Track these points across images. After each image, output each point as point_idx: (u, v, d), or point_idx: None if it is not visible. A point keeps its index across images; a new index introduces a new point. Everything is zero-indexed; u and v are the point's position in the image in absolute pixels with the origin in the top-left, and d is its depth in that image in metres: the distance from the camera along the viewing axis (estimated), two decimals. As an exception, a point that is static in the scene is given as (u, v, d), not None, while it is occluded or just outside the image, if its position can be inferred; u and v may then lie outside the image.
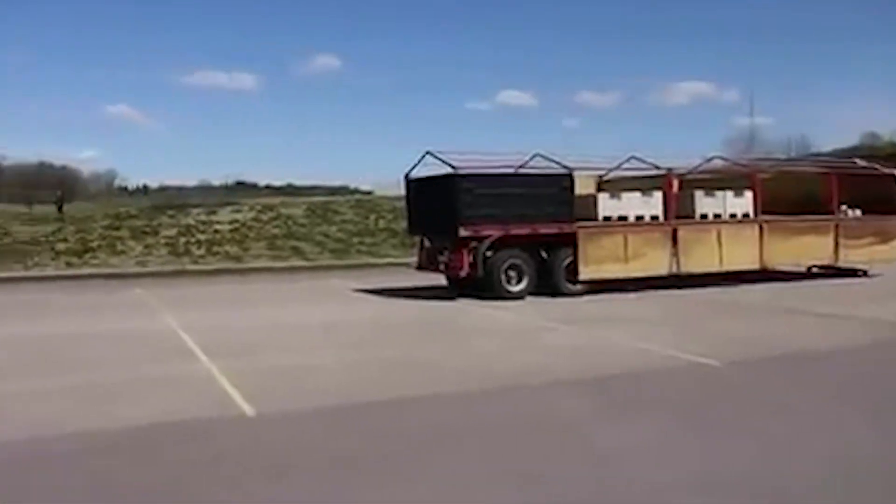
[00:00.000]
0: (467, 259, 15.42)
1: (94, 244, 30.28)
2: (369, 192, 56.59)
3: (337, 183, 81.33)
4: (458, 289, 16.33)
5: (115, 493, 4.96)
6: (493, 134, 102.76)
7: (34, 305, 16.66)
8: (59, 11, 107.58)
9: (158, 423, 6.52)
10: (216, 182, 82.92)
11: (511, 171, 16.86)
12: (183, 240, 31.16)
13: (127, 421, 6.60)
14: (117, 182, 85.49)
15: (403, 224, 21.56)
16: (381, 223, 35.41)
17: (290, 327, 12.48)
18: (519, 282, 15.75)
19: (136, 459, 5.64)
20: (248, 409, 6.94)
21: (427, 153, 16.47)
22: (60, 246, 29.90)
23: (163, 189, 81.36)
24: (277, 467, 5.40)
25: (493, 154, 16.61)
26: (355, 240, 32.61)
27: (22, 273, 25.48)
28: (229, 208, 38.27)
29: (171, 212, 37.35)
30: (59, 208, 40.14)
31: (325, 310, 14.82)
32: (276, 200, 45.77)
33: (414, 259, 18.44)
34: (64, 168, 73.95)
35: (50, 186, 53.71)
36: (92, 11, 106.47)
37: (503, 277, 15.60)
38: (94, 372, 8.83)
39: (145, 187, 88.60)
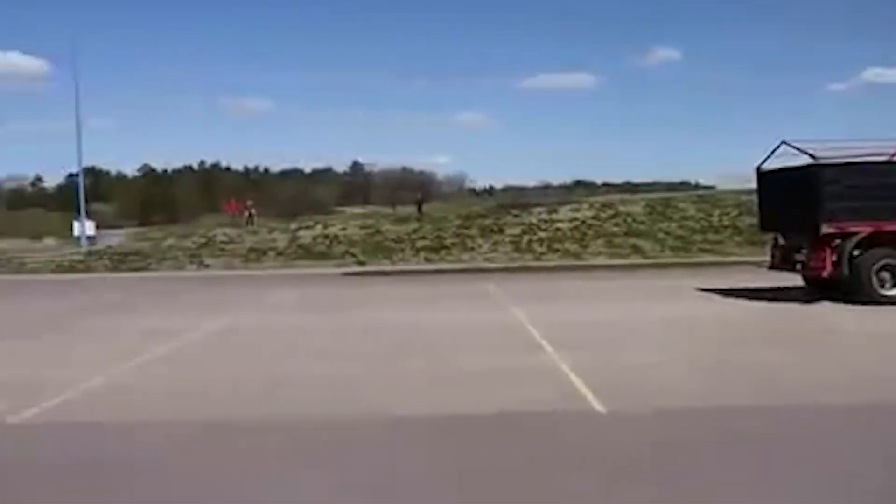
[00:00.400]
0: (830, 258, 13.91)
1: (448, 242, 32.87)
2: (711, 187, 54.07)
3: (677, 178, 79.11)
4: (819, 291, 14.81)
5: (456, 471, 5.23)
6: (854, 117, 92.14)
7: (400, 296, 18.51)
8: (416, 30, 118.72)
9: (508, 412, 6.79)
10: (556, 181, 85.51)
11: (885, 158, 14.85)
12: (526, 238, 32.47)
13: (478, 407, 6.98)
14: (467, 184, 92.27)
15: (751, 220, 20.17)
16: (725, 219, 33.53)
17: (632, 324, 12.31)
18: (895, 285, 13.84)
19: (484, 444, 5.92)
20: (597, 405, 6.95)
21: (782, 143, 15.18)
22: (420, 243, 32.95)
23: (506, 189, 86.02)
24: (618, 465, 5.31)
25: (859, 140, 14.78)
26: (697, 237, 31.31)
27: (389, 267, 28.56)
28: (569, 206, 39.09)
29: (515, 211, 39.21)
30: (419, 209, 44.30)
31: (666, 308, 14.38)
32: (614, 198, 45.78)
33: (765, 258, 17.13)
34: (422, 173, 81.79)
35: (411, 189, 59.61)
36: (443, 26, 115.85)
37: (874, 280, 13.81)
38: (450, 359, 9.53)
39: (491, 188, 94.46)
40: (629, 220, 34.61)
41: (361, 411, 6.92)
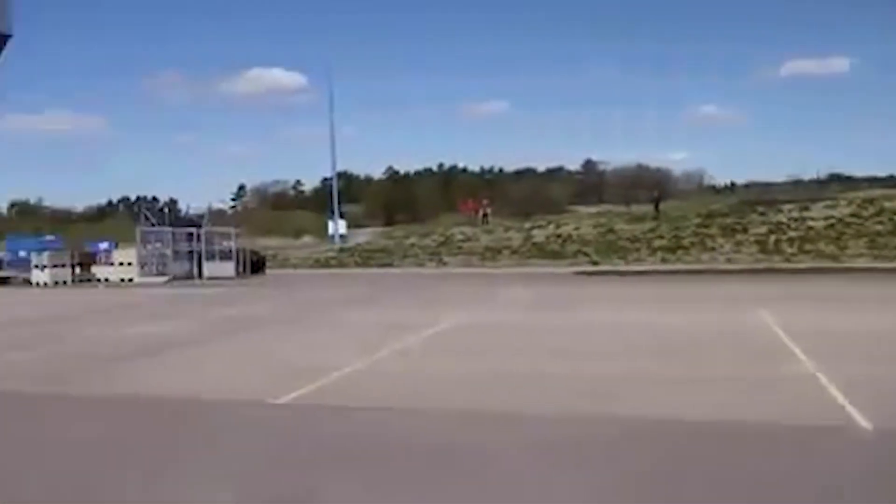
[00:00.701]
0: None
1: (686, 241, 31.51)
2: None
3: (959, 170, 69.69)
4: None
5: (700, 480, 4.91)
6: None
7: (636, 296, 18.01)
8: (652, 24, 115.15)
9: (759, 422, 6.31)
10: (806, 176, 78.81)
11: None
12: (773, 237, 30.30)
13: (723, 415, 6.54)
14: (706, 180, 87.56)
15: None
16: None
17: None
18: None
19: (732, 456, 5.51)
20: (862, 421, 6.24)
21: None
22: (657, 243, 31.92)
23: (750, 185, 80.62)
24: (887, 487, 4.71)
25: None
26: None
27: (624, 267, 27.94)
28: (823, 203, 35.87)
29: (760, 208, 36.68)
30: (656, 207, 42.84)
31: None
32: (876, 193, 41.36)
33: None
34: (658, 170, 78.68)
35: (646, 187, 57.74)
36: (680, 18, 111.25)
37: None
38: (692, 361, 9.07)
39: (732, 184, 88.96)
40: (896, 217, 31.08)
41: (599, 410, 6.79)
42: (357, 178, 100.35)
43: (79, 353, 10.81)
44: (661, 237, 32.79)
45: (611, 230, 35.75)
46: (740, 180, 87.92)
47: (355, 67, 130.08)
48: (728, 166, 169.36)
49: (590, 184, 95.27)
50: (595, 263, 29.10)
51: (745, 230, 32.11)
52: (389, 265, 32.62)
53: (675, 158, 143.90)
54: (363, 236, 50.00)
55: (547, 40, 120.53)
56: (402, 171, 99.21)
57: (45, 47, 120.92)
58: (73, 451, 5.91)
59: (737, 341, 10.62)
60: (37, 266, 27.18)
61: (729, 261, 27.66)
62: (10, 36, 26.93)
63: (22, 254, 33.19)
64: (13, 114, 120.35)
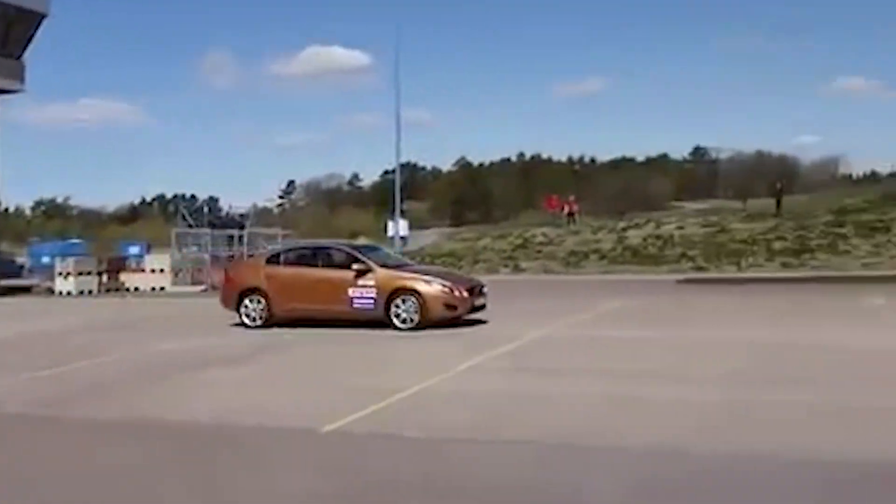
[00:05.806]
0: None
1: (814, 243, 30.55)
2: None
3: None
4: None
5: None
6: None
7: (755, 309, 17.45)
8: None
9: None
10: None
11: None
12: (924, 237, 29.13)
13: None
14: (841, 169, 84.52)
15: None
16: None
17: None
18: None
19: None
20: None
21: None
22: (777, 245, 31.03)
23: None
24: None
25: None
26: None
27: (736, 273, 27.20)
28: None
29: (907, 203, 35.33)
30: (778, 203, 41.59)
31: None
32: None
33: None
34: (782, 157, 75.76)
35: (767, 179, 56.16)
36: None
37: None
38: (838, 392, 8.64)
39: (873, 174, 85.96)
40: None
41: (728, 448, 6.50)
42: (423, 170, 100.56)
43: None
44: (783, 238, 31.91)
45: (722, 230, 35.00)
46: (884, 169, 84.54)
47: (425, 44, 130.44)
48: (871, 152, 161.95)
49: (699, 175, 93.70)
50: (701, 269, 28.47)
51: (887, 229, 30.94)
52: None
53: (804, 143, 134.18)
54: (428, 238, 50.04)
55: (653, 6, 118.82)
56: (475, 163, 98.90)
57: (79, 26, 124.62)
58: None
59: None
60: (60, 273, 27.53)
61: (867, 266, 26.66)
62: (45, 15, 27.77)
63: (45, 260, 34.08)
64: (42, 104, 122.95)
